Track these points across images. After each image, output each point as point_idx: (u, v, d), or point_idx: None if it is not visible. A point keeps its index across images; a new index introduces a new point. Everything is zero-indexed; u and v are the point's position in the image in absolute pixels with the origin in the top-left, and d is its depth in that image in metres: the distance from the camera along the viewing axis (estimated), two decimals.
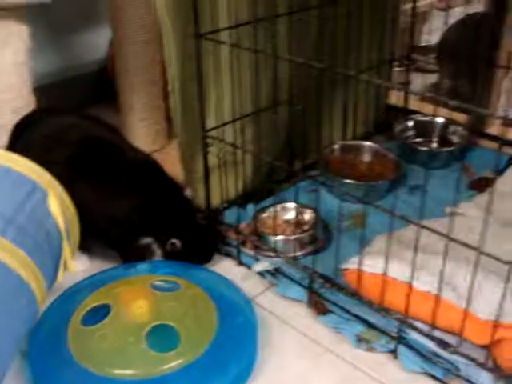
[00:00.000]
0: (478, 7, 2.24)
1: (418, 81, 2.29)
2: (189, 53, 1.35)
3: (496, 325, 1.05)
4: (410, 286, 1.14)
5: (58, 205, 1.19)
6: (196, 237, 1.39)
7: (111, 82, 2.03)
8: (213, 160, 1.48)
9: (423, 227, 1.05)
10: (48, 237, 1.16)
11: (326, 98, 1.69)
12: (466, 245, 0.98)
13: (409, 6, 2.10)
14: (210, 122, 1.43)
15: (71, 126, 1.40)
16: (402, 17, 2.13)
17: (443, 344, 1.13)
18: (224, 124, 1.44)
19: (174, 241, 1.34)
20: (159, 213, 1.35)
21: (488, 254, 0.98)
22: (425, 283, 1.14)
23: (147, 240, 1.38)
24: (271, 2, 1.39)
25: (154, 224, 1.36)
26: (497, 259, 0.96)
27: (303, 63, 1.16)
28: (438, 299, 1.11)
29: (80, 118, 1.44)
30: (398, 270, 1.17)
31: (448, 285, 1.14)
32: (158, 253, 1.40)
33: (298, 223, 1.51)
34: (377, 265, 1.19)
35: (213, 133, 1.42)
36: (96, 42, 2.24)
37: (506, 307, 1.05)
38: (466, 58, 1.95)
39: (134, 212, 1.34)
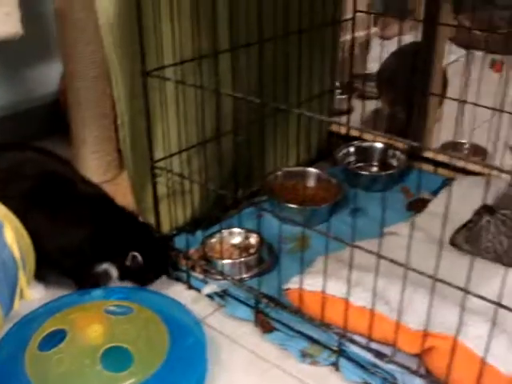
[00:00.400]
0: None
1: (360, 107, 2.40)
2: (136, 89, 1.43)
3: (425, 334, 1.15)
4: (347, 302, 1.22)
5: (13, 236, 1.26)
6: (153, 248, 1.46)
7: (63, 115, 2.09)
8: (162, 189, 1.55)
9: (356, 247, 1.14)
10: (4, 266, 1.22)
11: (268, 127, 1.78)
12: (393, 261, 1.08)
13: (349, 36, 2.24)
14: (158, 154, 1.50)
15: (26, 160, 1.46)
16: (346, 46, 2.26)
17: (380, 355, 1.21)
18: (171, 155, 1.51)
19: (134, 253, 1.40)
20: (113, 235, 1.43)
21: (414, 269, 1.07)
22: (360, 299, 1.23)
23: (102, 267, 1.44)
24: (214, 38, 1.47)
25: (108, 248, 1.43)
26: (421, 273, 1.06)
27: (242, 98, 1.24)
28: (372, 313, 1.19)
29: (34, 153, 1.50)
30: (336, 287, 1.25)
31: (381, 299, 1.22)
32: (115, 276, 1.45)
33: (244, 247, 1.59)
34: (316, 283, 1.27)
35: (161, 164, 1.50)
36: (48, 76, 2.30)
37: (433, 318, 1.15)
38: (402, 86, 2.07)
39: (85, 241, 1.40)
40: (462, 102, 1.79)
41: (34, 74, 2.30)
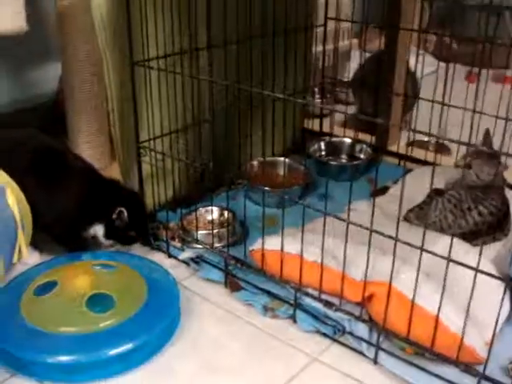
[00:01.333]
0: None
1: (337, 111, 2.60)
2: (125, 78, 1.63)
3: (366, 283, 1.33)
4: (301, 258, 1.41)
5: (14, 199, 1.44)
6: (136, 209, 1.64)
7: (61, 114, 2.28)
8: (147, 170, 1.74)
9: (307, 206, 1.33)
10: (5, 224, 1.41)
11: (244, 122, 1.96)
12: (337, 217, 1.26)
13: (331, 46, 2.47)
14: (144, 136, 1.69)
15: (26, 136, 1.65)
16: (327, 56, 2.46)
17: (329, 304, 1.39)
18: (155, 138, 1.70)
19: (121, 209, 1.58)
20: (99, 198, 1.62)
21: (354, 223, 1.25)
22: (312, 254, 1.41)
23: (90, 230, 1.62)
24: (194, 37, 1.67)
25: (95, 210, 1.61)
26: (360, 226, 1.24)
27: (218, 82, 1.44)
28: (322, 267, 1.37)
29: (33, 130, 1.69)
30: (292, 246, 1.44)
31: (331, 255, 1.41)
32: (102, 234, 1.62)
33: (219, 223, 1.78)
34: (276, 243, 1.45)
35: (145, 144, 1.68)
36: (48, 76, 2.48)
37: (373, 269, 1.33)
38: (371, 87, 2.27)
39: (74, 205, 1.59)
40: (432, 101, 1.94)
41: (35, 74, 2.49)
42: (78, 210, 1.59)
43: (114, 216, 1.58)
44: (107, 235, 1.62)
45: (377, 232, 1.22)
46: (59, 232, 1.63)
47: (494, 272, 1.27)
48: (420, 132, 1.25)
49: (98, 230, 1.61)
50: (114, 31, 1.59)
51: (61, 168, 1.62)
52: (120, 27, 1.58)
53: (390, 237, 1.21)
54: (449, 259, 1.15)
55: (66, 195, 1.59)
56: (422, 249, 1.18)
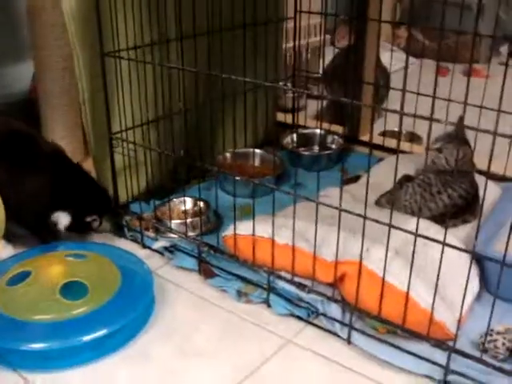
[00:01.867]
0: None
1: (310, 105, 2.63)
2: (96, 70, 1.64)
3: (337, 263, 1.34)
4: (273, 241, 1.42)
5: None
6: (100, 198, 1.69)
7: (35, 113, 2.29)
8: (119, 162, 1.74)
9: (277, 190, 1.35)
10: None
11: (217, 113, 1.98)
12: (307, 198, 1.28)
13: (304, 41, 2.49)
14: (116, 127, 1.70)
15: None
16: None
17: (302, 286, 1.41)
18: (127, 129, 1.71)
19: (94, 217, 1.65)
20: (65, 185, 1.63)
21: (324, 203, 1.27)
22: (284, 237, 1.43)
23: (53, 218, 1.63)
24: (163, 29, 1.68)
25: (61, 196, 1.62)
26: (329, 206, 1.26)
27: (188, 70, 1.45)
28: (294, 249, 1.39)
29: (4, 117, 1.71)
30: (263, 230, 1.45)
31: (302, 237, 1.42)
32: (66, 223, 1.64)
33: (193, 213, 1.79)
34: (247, 228, 1.47)
35: (118, 136, 1.69)
36: (20, 76, 2.48)
37: (344, 249, 1.35)
38: (341, 78, 2.30)
39: (41, 190, 1.60)
40: (402, 90, 1.98)
41: (6, 73, 2.48)
42: (42, 195, 1.60)
43: (89, 219, 1.63)
44: (70, 228, 1.64)
45: (346, 211, 1.24)
46: (25, 217, 1.63)
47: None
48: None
49: (61, 218, 1.62)
50: (83, 23, 1.59)
51: (29, 152, 1.63)
52: (89, 19, 1.59)
53: (359, 215, 1.22)
54: (416, 234, 1.17)
55: (32, 179, 1.60)
56: (390, 225, 1.20)
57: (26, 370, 1.29)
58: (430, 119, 1.08)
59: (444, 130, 1.74)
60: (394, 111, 1.14)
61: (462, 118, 1.64)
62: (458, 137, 1.69)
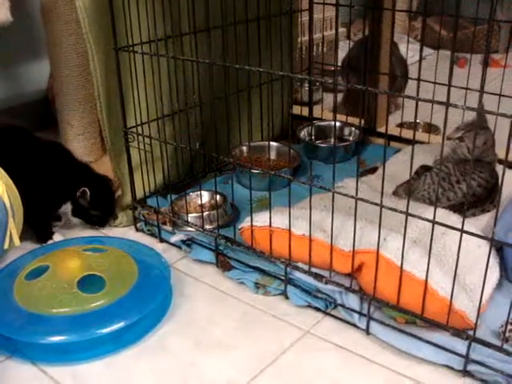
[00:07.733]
0: None
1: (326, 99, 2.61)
2: (110, 65, 1.64)
3: (355, 253, 1.33)
4: (290, 232, 1.41)
5: (4, 188, 1.45)
6: (102, 190, 1.73)
7: (52, 111, 2.30)
8: (136, 158, 1.74)
9: (293, 180, 1.34)
10: None
11: (233, 107, 1.97)
12: (323, 187, 1.27)
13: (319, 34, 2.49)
14: (131, 122, 1.70)
15: None
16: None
17: (319, 277, 1.40)
18: (142, 123, 1.71)
19: (84, 188, 1.66)
20: (67, 179, 1.68)
21: (339, 193, 1.26)
22: (300, 228, 1.41)
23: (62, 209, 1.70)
24: (177, 23, 1.68)
25: (63, 189, 1.68)
26: (345, 195, 1.25)
27: (203, 62, 1.45)
28: (311, 239, 1.38)
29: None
30: (280, 221, 1.44)
31: (319, 228, 1.41)
32: (69, 210, 1.71)
33: (210, 206, 1.79)
34: (264, 220, 1.46)
35: (133, 130, 1.69)
36: (38, 74, 2.50)
37: (362, 239, 1.34)
38: (359, 69, 2.29)
39: (45, 183, 1.65)
40: (417, 80, 1.97)
41: (25, 72, 2.50)
42: (50, 188, 1.67)
43: (78, 194, 1.66)
44: (73, 213, 1.70)
45: (362, 200, 1.23)
46: (32, 213, 1.64)
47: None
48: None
49: (67, 207, 1.69)
50: (97, 18, 1.59)
51: (30, 147, 1.69)
52: (103, 14, 1.59)
53: (376, 203, 1.21)
54: (434, 222, 1.16)
55: (36, 171, 1.65)
56: (407, 213, 1.18)
57: (45, 364, 1.29)
58: (447, 104, 1.06)
59: (464, 120, 1.73)
60: (410, 97, 1.13)
61: (482, 106, 1.62)
62: (479, 126, 1.67)
